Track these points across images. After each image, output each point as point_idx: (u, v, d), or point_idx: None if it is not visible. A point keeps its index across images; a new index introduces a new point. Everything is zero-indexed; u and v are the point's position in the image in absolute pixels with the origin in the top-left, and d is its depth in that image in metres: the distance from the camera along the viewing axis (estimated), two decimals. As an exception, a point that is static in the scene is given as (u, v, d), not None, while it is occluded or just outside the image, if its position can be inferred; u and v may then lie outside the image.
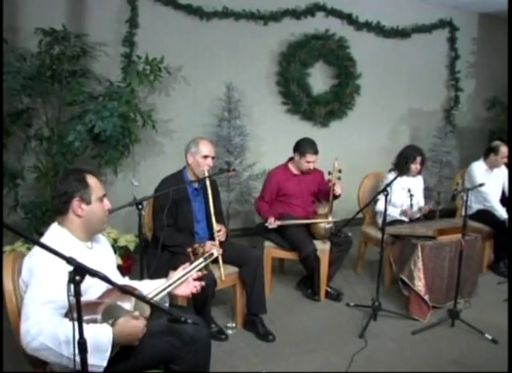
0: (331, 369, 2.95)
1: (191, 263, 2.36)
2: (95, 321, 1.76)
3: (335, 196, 3.79)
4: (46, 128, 4.21)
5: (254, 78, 5.43)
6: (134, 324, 1.84)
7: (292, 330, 3.44)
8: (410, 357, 3.11)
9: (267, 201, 3.99)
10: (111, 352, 1.76)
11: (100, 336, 1.72)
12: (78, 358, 1.51)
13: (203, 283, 2.32)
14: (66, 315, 1.79)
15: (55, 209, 2.04)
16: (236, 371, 2.91)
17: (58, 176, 3.95)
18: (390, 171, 4.20)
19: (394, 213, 4.07)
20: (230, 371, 2.91)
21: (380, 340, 3.29)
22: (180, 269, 2.30)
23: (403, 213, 4.04)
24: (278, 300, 3.89)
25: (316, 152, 3.88)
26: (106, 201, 2.10)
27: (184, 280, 2.25)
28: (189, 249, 2.54)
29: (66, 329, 1.68)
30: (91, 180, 2.05)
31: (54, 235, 1.99)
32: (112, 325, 1.78)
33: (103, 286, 1.95)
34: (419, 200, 4.13)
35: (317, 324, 3.55)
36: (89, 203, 2.01)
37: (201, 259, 2.35)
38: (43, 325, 1.70)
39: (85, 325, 1.52)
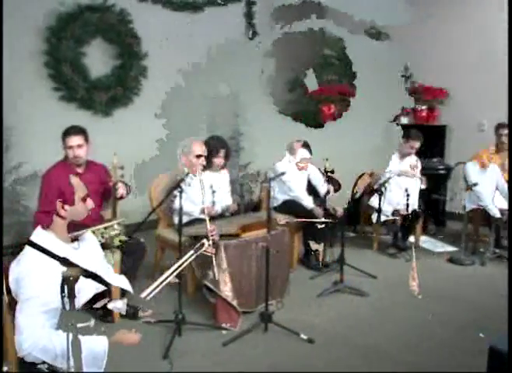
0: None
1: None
2: None
3: (117, 198, 3.46)
4: None
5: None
6: (130, 337, 2.06)
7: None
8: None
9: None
10: None
11: (97, 347, 1.92)
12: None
13: None
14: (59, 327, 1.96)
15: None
16: None
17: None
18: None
19: (189, 209, 3.72)
20: None
21: (188, 358, 2.96)
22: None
23: None
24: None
25: None
26: (89, 201, 2.22)
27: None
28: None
29: (62, 340, 1.79)
30: (73, 180, 2.18)
31: (40, 239, 2.02)
32: None
33: (93, 288, 2.08)
34: (224, 198, 3.98)
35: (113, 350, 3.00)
36: (72, 204, 2.13)
37: (192, 251, 2.42)
38: (36, 339, 1.85)
39: (81, 337, 1.67)
